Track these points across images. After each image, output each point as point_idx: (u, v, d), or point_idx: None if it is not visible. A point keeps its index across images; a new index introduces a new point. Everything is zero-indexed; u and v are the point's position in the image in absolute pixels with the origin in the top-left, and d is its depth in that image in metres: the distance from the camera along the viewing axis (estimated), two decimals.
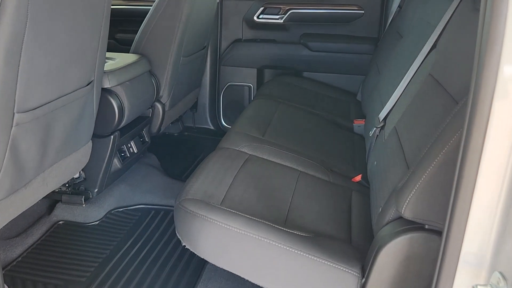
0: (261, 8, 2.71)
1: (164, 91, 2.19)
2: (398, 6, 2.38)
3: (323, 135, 1.86)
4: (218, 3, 2.73)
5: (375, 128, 1.52)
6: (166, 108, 2.27)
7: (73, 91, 1.42)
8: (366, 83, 2.34)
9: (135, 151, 2.08)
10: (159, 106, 2.21)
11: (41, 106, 1.27)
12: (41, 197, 1.49)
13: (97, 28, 1.45)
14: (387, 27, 2.47)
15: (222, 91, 2.88)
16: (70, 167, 1.60)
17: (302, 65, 2.71)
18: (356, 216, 1.35)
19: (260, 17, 2.72)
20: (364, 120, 2.07)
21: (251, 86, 2.83)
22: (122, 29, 2.93)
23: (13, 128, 1.17)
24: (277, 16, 2.70)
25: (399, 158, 1.18)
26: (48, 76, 1.26)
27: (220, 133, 2.93)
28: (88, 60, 1.47)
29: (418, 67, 1.40)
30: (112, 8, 3.08)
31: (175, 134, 2.87)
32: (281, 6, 2.68)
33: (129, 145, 2.04)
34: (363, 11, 2.59)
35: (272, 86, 2.44)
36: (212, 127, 2.95)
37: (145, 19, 2.10)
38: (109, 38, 3.03)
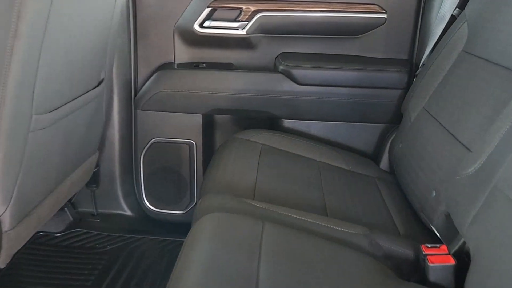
0: (207, 10, 1.53)
1: None
2: (458, 8, 1.33)
3: None
4: (127, 0, 1.52)
5: None
6: (6, 226, 1.02)
7: None
8: (412, 150, 1.24)
9: None
10: None
11: None
12: None
13: None
14: (431, 44, 1.41)
15: (143, 152, 1.66)
16: None
17: (281, 109, 1.57)
18: None
19: (205, 25, 1.55)
20: (444, 247, 0.96)
21: (193, 144, 1.64)
22: None
23: None
24: (236, 24, 1.54)
25: None
26: None
27: (142, 221, 1.74)
28: None
29: None
30: None
31: (57, 235, 1.60)
32: (243, 7, 1.53)
33: None
34: (385, 16, 1.51)
35: (234, 157, 1.28)
36: (128, 212, 1.74)
37: None
38: None
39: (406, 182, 1.24)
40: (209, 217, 0.93)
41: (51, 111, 1.06)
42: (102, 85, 1.35)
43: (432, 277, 0.92)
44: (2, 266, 1.07)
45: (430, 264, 0.92)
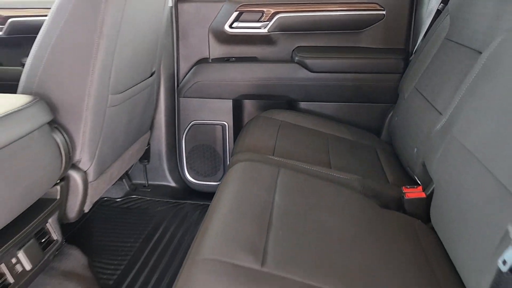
0: (235, 13, 1.87)
1: (82, 152, 1.31)
2: (442, 3, 1.60)
3: (368, 236, 1.02)
4: (171, 7, 1.87)
5: None
6: (90, 178, 1.38)
7: None
8: (404, 120, 1.53)
9: (29, 268, 1.17)
10: (76, 177, 1.32)
11: None
12: None
13: None
14: (422, 34, 1.68)
15: (184, 133, 2.01)
16: None
17: (297, 93, 1.88)
18: None
19: (234, 26, 1.89)
20: (420, 188, 1.25)
21: (225, 125, 1.97)
22: None
23: None
24: (259, 24, 1.87)
25: None
26: None
27: (185, 191, 2.07)
28: None
29: None
30: (15, 21, 2.18)
31: (117, 200, 1.97)
32: (264, 10, 1.85)
33: (14, 260, 1.13)
34: (384, 12, 1.79)
35: (259, 129, 1.59)
36: (172, 184, 2.08)
37: (39, 35, 1.22)
38: (15, 64, 2.15)
39: (398, 146, 1.52)
40: (238, 165, 1.25)
41: (121, 93, 1.41)
42: (153, 76, 1.71)
43: (408, 207, 1.21)
44: (86, 210, 1.43)
45: (406, 198, 1.21)
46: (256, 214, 0.97)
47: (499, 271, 0.71)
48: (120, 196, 1.98)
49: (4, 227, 1.04)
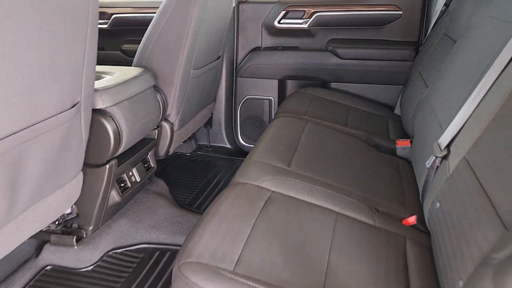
0: (283, 12, 2.40)
1: (172, 109, 1.90)
2: (444, 5, 2.04)
3: (361, 162, 1.52)
4: (234, 7, 2.43)
5: (433, 158, 1.17)
6: (175, 128, 1.97)
7: (50, 117, 1.13)
8: (408, 95, 1.99)
9: (138, 180, 1.78)
10: (166, 126, 1.92)
11: (4, 138, 0.99)
12: (17, 245, 1.21)
13: (79, 37, 1.16)
14: (430, 29, 2.12)
15: (239, 105, 2.57)
16: (54, 207, 1.31)
17: (329, 75, 2.38)
18: (416, 278, 1.01)
19: (281, 22, 2.41)
20: (409, 140, 1.72)
21: (271, 100, 2.51)
22: (130, 40, 2.67)
23: None
24: (301, 21, 2.39)
25: (484, 210, 0.84)
26: (10, 101, 0.97)
27: (238, 151, 2.64)
28: (71, 78, 1.18)
29: (495, 81, 1.06)
30: (118, 17, 2.85)
31: (187, 154, 2.58)
32: (306, 9, 2.36)
33: (130, 173, 1.75)
34: (401, 12, 2.25)
35: (296, 100, 2.12)
36: (228, 146, 2.65)
37: (149, 26, 1.82)
38: (115, 50, 2.81)
39: (402, 115, 1.99)
40: (277, 119, 1.79)
41: (198, 69, 1.99)
42: (219, 59, 2.28)
43: (397, 152, 1.69)
44: (171, 152, 2.03)
45: (397, 146, 1.69)
46: (287, 142, 1.52)
47: (426, 169, 1.20)
48: (189, 152, 2.59)
49: (126, 150, 1.64)
